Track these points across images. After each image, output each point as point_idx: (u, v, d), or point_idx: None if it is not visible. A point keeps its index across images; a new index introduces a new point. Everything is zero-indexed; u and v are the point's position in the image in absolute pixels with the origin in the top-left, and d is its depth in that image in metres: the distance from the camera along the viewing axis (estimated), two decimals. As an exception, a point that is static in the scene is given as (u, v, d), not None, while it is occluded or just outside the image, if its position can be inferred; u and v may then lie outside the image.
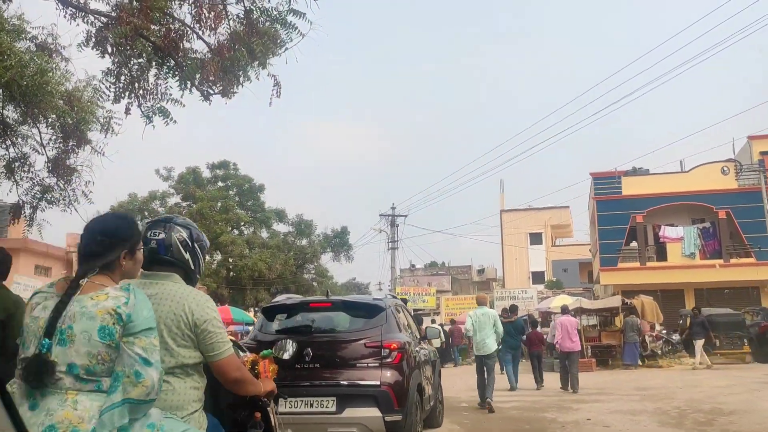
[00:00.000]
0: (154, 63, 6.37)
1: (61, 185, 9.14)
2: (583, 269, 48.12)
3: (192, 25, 5.74)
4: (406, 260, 49.52)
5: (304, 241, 39.40)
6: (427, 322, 23.64)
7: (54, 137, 9.09)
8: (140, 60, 6.36)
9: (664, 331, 22.09)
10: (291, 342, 3.88)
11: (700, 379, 13.95)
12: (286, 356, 3.70)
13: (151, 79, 6.15)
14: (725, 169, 27.28)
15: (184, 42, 6.45)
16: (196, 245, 2.75)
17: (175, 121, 6.10)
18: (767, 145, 27.40)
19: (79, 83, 8.11)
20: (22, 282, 15.25)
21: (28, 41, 8.58)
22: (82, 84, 8.58)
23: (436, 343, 10.99)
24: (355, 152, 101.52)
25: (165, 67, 6.44)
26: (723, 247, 26.77)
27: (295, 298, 7.26)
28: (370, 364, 5.79)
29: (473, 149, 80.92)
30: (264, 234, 40.14)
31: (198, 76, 6.03)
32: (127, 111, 6.23)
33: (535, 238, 50.85)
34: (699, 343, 17.56)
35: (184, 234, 2.69)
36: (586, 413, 9.30)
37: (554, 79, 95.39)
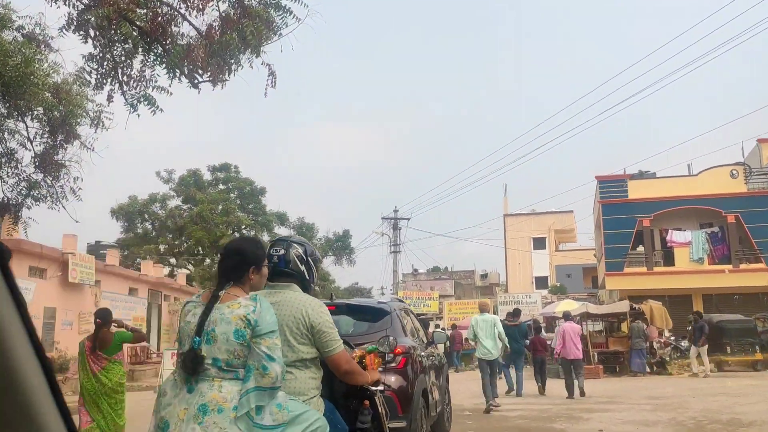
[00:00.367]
0: (140, 49, 5.97)
1: (49, 181, 8.76)
2: (587, 274, 47.68)
3: (179, 7, 5.33)
4: (409, 265, 49.09)
5: (305, 245, 39.06)
6: (429, 326, 23.22)
7: (41, 131, 8.70)
8: (126, 45, 5.96)
9: (672, 338, 21.63)
10: (392, 338, 4.68)
11: (712, 387, 13.47)
12: (388, 350, 4.52)
13: (137, 66, 5.74)
14: (734, 172, 26.82)
15: (173, 27, 6.06)
16: (310, 259, 3.21)
17: (161, 110, 5.71)
18: (778, 148, 26.95)
19: (68, 76, 7.73)
20: (15, 284, 14.82)
21: (14, 31, 8.19)
22: (72, 77, 8.20)
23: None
24: (358, 155, 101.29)
25: (152, 54, 6.04)
26: (732, 252, 26.29)
27: None
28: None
29: (477, 152, 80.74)
30: (265, 237, 39.76)
31: (186, 62, 5.59)
32: (110, 99, 5.85)
33: (539, 243, 50.42)
34: (703, 350, 17.13)
35: (300, 250, 3.18)
36: (597, 423, 8.86)
37: (558, 82, 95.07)
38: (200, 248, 36.53)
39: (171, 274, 35.07)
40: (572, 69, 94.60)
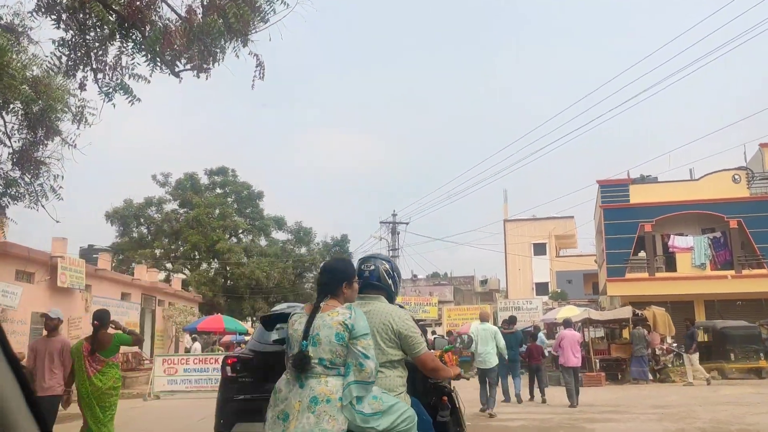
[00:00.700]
0: (117, 35, 5.59)
1: (27, 179, 8.37)
2: (588, 280, 47.32)
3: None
4: (408, 270, 48.65)
5: (303, 249, 38.69)
6: (427, 332, 22.78)
7: (19, 127, 8.31)
8: (102, 31, 5.58)
9: (674, 345, 21.23)
10: (469, 336, 5.47)
11: (718, 395, 13.06)
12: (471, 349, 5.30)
13: (113, 53, 5.36)
14: (736, 177, 26.47)
15: (153, 12, 5.68)
16: (394, 274, 3.63)
17: (139, 100, 5.33)
18: (780, 153, 26.60)
19: (49, 68, 7.36)
20: (1, 288, 14.45)
21: (-10, 20, 7.80)
22: (53, 70, 7.83)
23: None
24: (357, 159, 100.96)
25: (130, 41, 5.66)
26: (734, 257, 25.90)
27: (296, 306, 6.83)
28: None
29: (476, 156, 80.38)
30: (262, 242, 39.43)
31: (165, 47, 5.21)
32: (82, 86, 5.47)
33: (539, 249, 50.06)
34: (694, 357, 16.75)
35: (387, 266, 3.61)
36: (601, 434, 8.46)
37: (557, 85, 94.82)
38: (196, 252, 36.18)
39: (167, 279, 34.68)
40: (572, 72, 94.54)
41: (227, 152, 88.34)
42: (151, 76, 5.91)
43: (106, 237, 37.87)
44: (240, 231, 38.94)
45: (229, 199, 39.34)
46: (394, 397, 3.19)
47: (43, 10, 5.09)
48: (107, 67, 5.25)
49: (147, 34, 5.62)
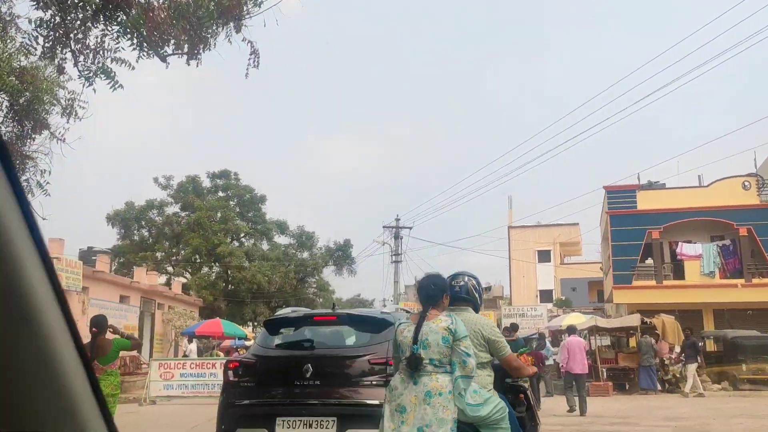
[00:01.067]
0: (101, 17, 5.23)
1: (13, 174, 7.99)
2: (593, 288, 46.80)
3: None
4: (412, 276, 48.28)
5: (305, 254, 38.28)
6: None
7: (5, 119, 7.95)
8: (86, 11, 5.22)
9: (683, 354, 20.75)
10: (543, 336, 8.56)
11: (732, 407, 12.60)
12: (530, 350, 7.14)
13: (96, 35, 5.00)
14: (746, 183, 26.01)
15: (140, -7, 5.33)
16: (479, 288, 4.32)
17: (121, 86, 4.96)
18: (791, 160, 26.16)
19: (41, 59, 7.02)
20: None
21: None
22: (44, 62, 7.48)
23: None
24: (361, 165, 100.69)
25: (115, 23, 5.30)
26: (744, 265, 25.42)
27: (301, 311, 6.74)
28: (374, 383, 5.37)
29: (480, 160, 79.91)
30: (264, 246, 39.06)
31: (151, 30, 4.85)
32: (61, 69, 5.11)
33: (544, 256, 49.58)
34: (691, 368, 16.29)
35: (474, 282, 4.28)
36: (613, 448, 8.03)
37: (560, 90, 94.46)
38: (197, 256, 35.81)
39: (168, 283, 34.33)
40: (577, 74, 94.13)
41: (230, 156, 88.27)
42: (137, 61, 5.55)
43: (108, 239, 37.59)
44: (242, 235, 38.58)
45: (231, 202, 39.01)
46: (488, 392, 3.88)
47: (20, -13, 4.75)
48: (88, 50, 4.89)
49: (131, 14, 5.27)
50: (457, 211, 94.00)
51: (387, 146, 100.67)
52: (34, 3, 5.07)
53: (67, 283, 17.67)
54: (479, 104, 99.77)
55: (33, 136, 8.02)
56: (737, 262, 25.84)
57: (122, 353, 15.24)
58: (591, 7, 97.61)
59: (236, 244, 38.32)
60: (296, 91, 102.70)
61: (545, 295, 46.33)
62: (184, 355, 21.12)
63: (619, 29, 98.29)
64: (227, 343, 23.95)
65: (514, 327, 14.43)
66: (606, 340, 21.70)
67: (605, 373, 17.81)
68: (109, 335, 6.68)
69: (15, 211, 0.76)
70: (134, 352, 19.42)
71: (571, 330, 13.46)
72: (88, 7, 5.12)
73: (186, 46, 5.37)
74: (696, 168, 61.83)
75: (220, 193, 38.87)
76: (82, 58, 4.92)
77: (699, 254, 25.99)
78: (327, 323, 6.20)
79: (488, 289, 54.48)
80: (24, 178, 8.12)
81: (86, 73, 4.98)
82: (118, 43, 5.33)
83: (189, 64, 5.66)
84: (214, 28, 5.45)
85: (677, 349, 19.46)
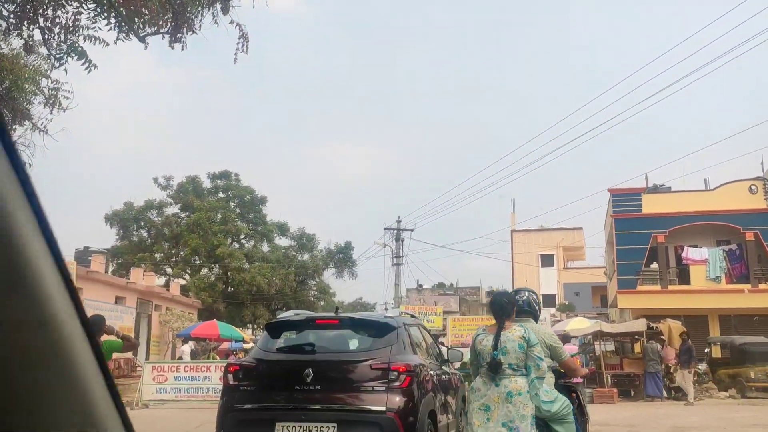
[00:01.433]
0: (77, -6, 4.87)
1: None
2: (596, 293, 46.45)
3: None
4: (414, 280, 47.81)
5: (306, 256, 37.91)
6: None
7: (-17, 108, 7.57)
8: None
9: (679, 359, 20.30)
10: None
11: (743, 416, 12.17)
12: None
13: (70, 12, 4.63)
14: (753, 187, 25.58)
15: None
16: (539, 301, 5.13)
17: (95, 66, 4.59)
18: (799, 163, 25.72)
19: (4, 34, 6.66)
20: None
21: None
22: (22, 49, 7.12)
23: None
24: (362, 168, 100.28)
25: (91, 1, 4.92)
26: (751, 271, 24.96)
27: (303, 314, 6.64)
28: (375, 388, 5.32)
29: (482, 162, 79.33)
30: (265, 247, 38.70)
31: (127, 6, 4.48)
32: (29, 48, 4.74)
33: (547, 260, 49.24)
34: (688, 375, 15.86)
35: (533, 296, 5.04)
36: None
37: (564, 88, 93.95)
38: (197, 257, 35.47)
39: (166, 284, 33.99)
40: (579, 74, 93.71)
41: (231, 157, 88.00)
42: (116, 43, 5.18)
43: (106, 240, 37.21)
44: (242, 236, 38.23)
45: (231, 203, 38.69)
46: (554, 391, 4.49)
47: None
48: (59, 27, 4.52)
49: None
50: (460, 213, 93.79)
51: (389, 148, 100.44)
52: (4, -22, 4.72)
53: (60, 283, 17.28)
54: (482, 105, 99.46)
55: (13, 126, 7.65)
56: (744, 267, 25.39)
57: (116, 355, 14.83)
58: (597, 5, 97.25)
59: (236, 245, 37.97)
60: (297, 93, 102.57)
61: (548, 300, 45.95)
62: (179, 358, 20.75)
63: (628, 29, 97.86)
64: (225, 345, 23.58)
65: None
66: (610, 346, 21.27)
67: (610, 380, 17.38)
68: (104, 337, 6.33)
69: (24, 207, 0.72)
70: (129, 354, 19.05)
71: (565, 339, 13.39)
72: (62, -17, 4.76)
73: (168, 26, 5.00)
74: (702, 169, 61.10)
75: (221, 194, 38.55)
76: (52, 36, 4.57)
77: (705, 259, 25.55)
78: (329, 327, 6.09)
79: (491, 293, 54.04)
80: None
81: (56, 52, 4.62)
82: (94, 22, 4.96)
83: (173, 47, 5.31)
84: (199, 9, 5.08)
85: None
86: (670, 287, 25.93)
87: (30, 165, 7.69)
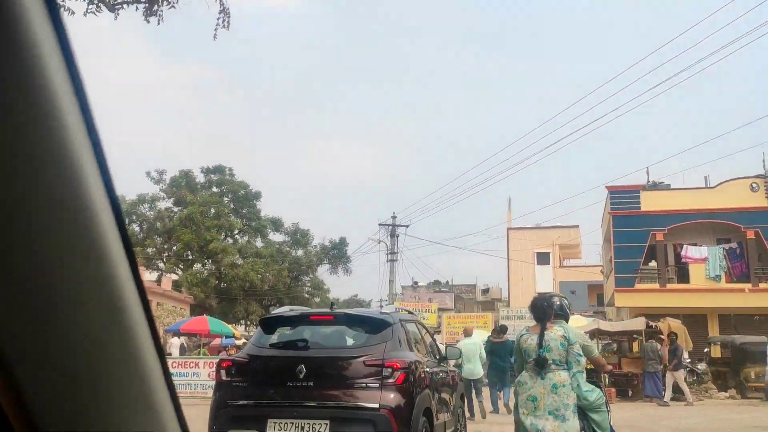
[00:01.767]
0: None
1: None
2: (592, 292, 46.11)
3: None
4: (409, 277, 47.47)
5: (299, 252, 37.50)
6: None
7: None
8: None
9: (688, 360, 19.96)
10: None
11: (745, 418, 11.79)
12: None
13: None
14: (754, 185, 25.23)
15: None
16: (569, 305, 5.65)
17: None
18: (801, 161, 25.37)
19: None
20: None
21: None
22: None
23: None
24: (358, 165, 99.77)
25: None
26: (751, 270, 24.62)
27: (297, 309, 6.68)
28: (369, 385, 5.27)
29: (480, 157, 78.70)
30: (258, 243, 38.26)
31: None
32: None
33: (543, 258, 48.86)
34: (679, 376, 15.49)
35: (565, 301, 5.47)
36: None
37: (557, 85, 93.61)
38: (189, 252, 35.01)
39: (158, 279, 33.53)
40: (573, 71, 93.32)
41: (226, 152, 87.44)
42: (85, 15, 4.74)
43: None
44: (235, 231, 37.78)
45: (225, 198, 38.23)
46: (589, 384, 5.06)
47: None
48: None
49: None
50: (456, 211, 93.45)
51: (385, 145, 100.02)
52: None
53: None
54: (477, 101, 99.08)
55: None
56: (744, 266, 25.04)
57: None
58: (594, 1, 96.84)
59: (230, 240, 37.53)
60: (292, 89, 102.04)
61: (544, 298, 45.60)
62: (168, 353, 20.28)
63: (624, 22, 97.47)
64: (217, 341, 23.12)
65: (502, 329, 14.21)
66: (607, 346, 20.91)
67: (607, 380, 16.98)
68: None
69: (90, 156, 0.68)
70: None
71: None
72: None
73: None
74: (701, 165, 60.80)
75: (214, 189, 38.10)
76: None
77: (704, 257, 25.19)
78: (324, 323, 6.09)
79: (486, 291, 53.74)
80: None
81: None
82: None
83: (148, 21, 4.87)
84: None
85: (686, 355, 18.66)
86: (669, 286, 25.58)
87: None
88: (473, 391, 12.00)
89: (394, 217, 29.41)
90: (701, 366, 20.20)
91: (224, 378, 5.60)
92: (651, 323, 17.77)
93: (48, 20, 0.62)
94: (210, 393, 6.42)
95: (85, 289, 0.67)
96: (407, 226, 29.85)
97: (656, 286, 25.53)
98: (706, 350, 21.49)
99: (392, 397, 5.18)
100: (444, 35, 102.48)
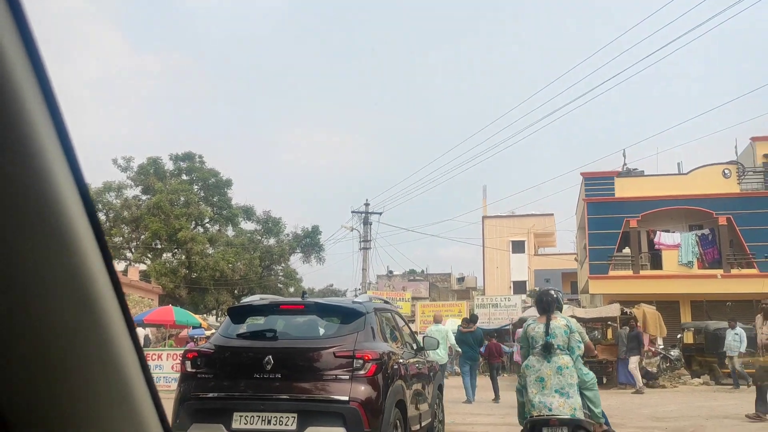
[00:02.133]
0: None
1: None
2: (566, 279, 46.30)
3: None
4: (384, 267, 47.02)
5: (272, 241, 36.80)
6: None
7: None
8: None
9: (661, 347, 19.90)
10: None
11: (721, 404, 11.59)
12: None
13: None
14: (727, 171, 25.28)
15: None
16: (562, 297, 6.53)
17: None
18: (772, 147, 25.47)
19: None
20: None
21: None
22: None
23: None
24: (332, 153, 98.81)
25: None
26: (723, 256, 24.70)
27: (268, 298, 6.42)
28: (339, 377, 5.10)
29: (452, 142, 78.28)
30: (230, 232, 37.46)
31: None
32: None
33: (518, 246, 48.89)
34: (634, 361, 15.35)
35: (560, 295, 6.15)
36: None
37: (531, 67, 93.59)
38: (158, 241, 34.08)
39: (126, 269, 32.59)
40: (548, 54, 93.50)
41: (196, 141, 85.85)
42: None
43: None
44: (206, 220, 36.93)
45: (195, 186, 37.30)
46: (586, 369, 5.86)
47: None
48: None
49: None
50: (430, 197, 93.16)
51: (357, 133, 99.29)
52: None
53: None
54: (448, 86, 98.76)
55: None
56: (716, 252, 25.13)
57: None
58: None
59: (200, 229, 36.67)
60: (264, 79, 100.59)
61: (519, 287, 45.71)
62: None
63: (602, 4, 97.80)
64: (186, 333, 22.43)
65: (472, 318, 14.19)
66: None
67: (582, 367, 16.79)
68: None
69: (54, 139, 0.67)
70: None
71: (524, 322, 12.92)
72: None
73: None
74: (674, 147, 61.21)
75: (184, 177, 37.13)
76: None
77: (677, 244, 25.21)
78: (294, 312, 5.94)
79: (461, 280, 53.66)
80: None
81: None
82: None
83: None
84: None
85: (659, 341, 18.58)
86: (642, 272, 25.58)
87: None
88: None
89: (367, 205, 28.91)
90: (674, 352, 20.17)
91: (189, 369, 5.41)
92: (626, 309, 17.59)
93: (6, 7, 0.60)
94: (174, 386, 6.19)
95: (54, 282, 0.65)
96: (380, 214, 29.42)
97: (630, 272, 25.52)
98: (679, 336, 21.49)
99: (363, 390, 5.04)
100: (415, 21, 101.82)
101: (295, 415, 4.97)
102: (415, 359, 6.58)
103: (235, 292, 34.50)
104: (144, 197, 35.43)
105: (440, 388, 7.77)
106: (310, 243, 36.31)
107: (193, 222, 35.78)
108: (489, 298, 30.77)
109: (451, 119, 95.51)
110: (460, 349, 13.10)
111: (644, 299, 22.31)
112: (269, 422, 4.97)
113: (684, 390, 15.72)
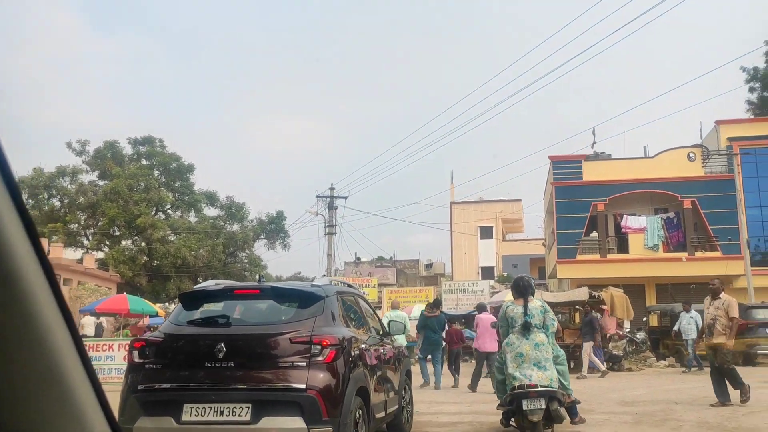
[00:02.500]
0: None
1: None
2: (534, 265, 46.48)
3: None
4: (351, 253, 46.42)
5: (235, 227, 35.87)
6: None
7: None
8: None
9: (628, 330, 19.84)
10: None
11: (690, 388, 11.39)
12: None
13: None
14: (692, 155, 25.38)
15: None
16: (534, 283, 7.19)
17: None
18: (736, 131, 25.65)
19: None
20: None
21: None
22: None
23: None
24: (297, 139, 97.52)
25: None
26: (687, 239, 24.82)
27: (222, 283, 6.05)
28: (296, 364, 4.83)
29: (417, 124, 77.42)
30: (192, 218, 36.41)
31: None
32: None
33: (486, 232, 48.85)
34: (587, 347, 15.20)
35: (533, 281, 6.99)
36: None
37: (495, 49, 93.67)
38: (116, 228, 32.89)
39: (82, 257, 31.37)
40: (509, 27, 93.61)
41: (157, 126, 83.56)
42: None
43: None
44: (167, 206, 35.80)
45: (156, 171, 36.10)
46: (558, 348, 6.81)
47: None
48: None
49: None
50: (397, 183, 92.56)
51: (322, 119, 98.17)
52: None
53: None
54: (413, 70, 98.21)
55: None
56: (681, 235, 25.25)
57: None
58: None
59: (161, 215, 35.54)
60: (228, 64, 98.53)
61: (487, 272, 45.71)
62: (82, 335, 18.69)
63: None
64: (145, 322, 21.58)
65: (436, 303, 14.31)
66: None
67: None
68: None
69: None
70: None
71: (481, 308, 13.30)
72: None
73: None
74: (639, 126, 61.52)
75: (143, 161, 35.90)
76: None
77: (643, 227, 25.26)
78: (250, 297, 5.68)
79: (429, 266, 53.45)
80: None
81: None
82: None
83: None
84: None
85: (626, 324, 18.44)
86: (609, 256, 25.60)
87: None
88: None
89: (332, 189, 28.25)
90: (640, 335, 20.14)
91: (137, 360, 5.15)
92: (594, 293, 17.39)
93: None
94: (126, 377, 5.70)
95: None
96: (346, 198, 28.78)
97: (597, 256, 25.51)
98: (644, 319, 21.48)
99: (321, 377, 4.81)
100: (379, 5, 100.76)
101: (250, 405, 4.74)
102: (380, 344, 6.39)
103: (198, 279, 33.55)
104: (101, 182, 34.14)
105: (408, 373, 7.55)
106: (274, 229, 35.52)
107: (154, 208, 34.65)
108: (457, 283, 30.52)
109: (417, 102, 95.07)
110: (415, 334, 13.32)
111: (611, 283, 22.22)
112: (222, 413, 4.74)
113: (650, 373, 15.60)
